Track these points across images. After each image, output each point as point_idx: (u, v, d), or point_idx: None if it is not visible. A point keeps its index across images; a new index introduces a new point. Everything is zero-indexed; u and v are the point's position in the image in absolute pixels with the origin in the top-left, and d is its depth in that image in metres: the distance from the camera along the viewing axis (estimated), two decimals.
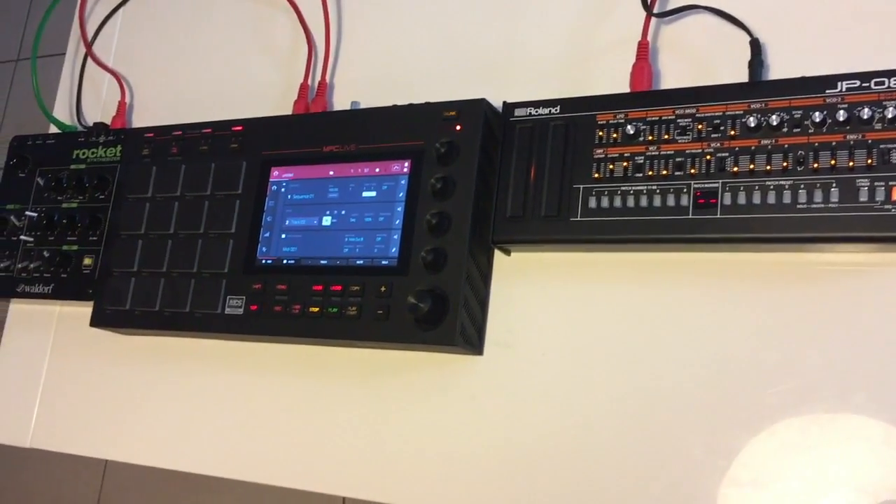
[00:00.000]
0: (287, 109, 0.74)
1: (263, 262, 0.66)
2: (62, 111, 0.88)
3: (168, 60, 0.84)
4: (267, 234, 0.67)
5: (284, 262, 0.65)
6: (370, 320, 0.60)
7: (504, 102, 0.61)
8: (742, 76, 0.56)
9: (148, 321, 0.69)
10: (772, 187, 0.51)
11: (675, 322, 0.55)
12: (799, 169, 0.51)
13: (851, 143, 0.50)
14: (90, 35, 0.89)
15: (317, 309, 0.62)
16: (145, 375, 0.73)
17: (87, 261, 0.75)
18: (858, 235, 0.49)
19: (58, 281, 0.76)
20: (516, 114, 0.60)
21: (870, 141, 0.50)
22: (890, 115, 0.49)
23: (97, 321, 0.72)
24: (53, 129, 0.86)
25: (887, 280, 0.51)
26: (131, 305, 0.70)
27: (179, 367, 0.72)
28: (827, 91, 0.52)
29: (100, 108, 0.87)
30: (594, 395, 0.56)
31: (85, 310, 0.75)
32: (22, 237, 0.79)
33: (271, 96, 0.77)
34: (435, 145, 0.61)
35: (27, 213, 0.79)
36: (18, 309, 0.84)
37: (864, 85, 0.51)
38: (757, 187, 0.52)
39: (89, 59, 0.87)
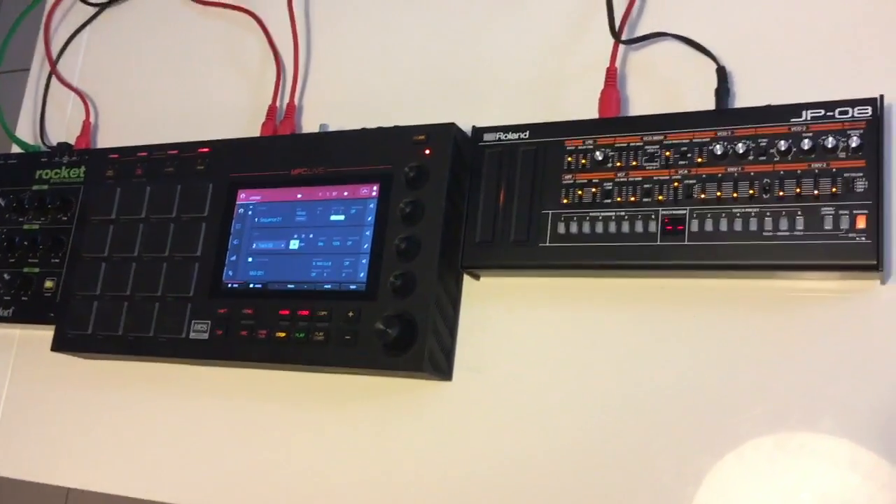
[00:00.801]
0: (255, 131, 0.73)
1: (230, 285, 0.65)
2: (25, 130, 0.87)
3: (134, 80, 0.83)
4: (233, 258, 0.66)
5: (251, 286, 0.64)
6: (338, 346, 0.59)
7: (473, 127, 0.61)
8: (709, 103, 0.57)
9: (111, 346, 0.68)
10: (738, 214, 0.52)
11: (643, 347, 0.55)
12: (765, 196, 0.52)
13: (816, 171, 0.51)
14: (55, 53, 0.88)
15: (284, 334, 0.61)
16: (108, 401, 0.72)
17: (48, 284, 0.74)
18: (824, 263, 0.49)
19: (18, 304, 0.74)
20: (486, 138, 0.60)
21: (834, 170, 0.50)
22: (854, 144, 0.50)
23: (59, 346, 0.70)
24: (16, 149, 0.84)
25: (852, 306, 0.51)
26: (94, 330, 0.69)
27: (143, 392, 0.71)
28: (792, 120, 0.52)
29: (64, 128, 0.85)
30: (563, 420, 0.56)
31: (46, 333, 0.74)
32: None
33: (239, 118, 0.76)
34: (404, 169, 0.61)
35: None
36: None
37: (828, 114, 0.52)
38: (724, 214, 0.52)
39: (54, 78, 0.86)
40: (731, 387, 0.52)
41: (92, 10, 0.88)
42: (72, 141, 0.82)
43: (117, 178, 0.73)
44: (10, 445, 0.76)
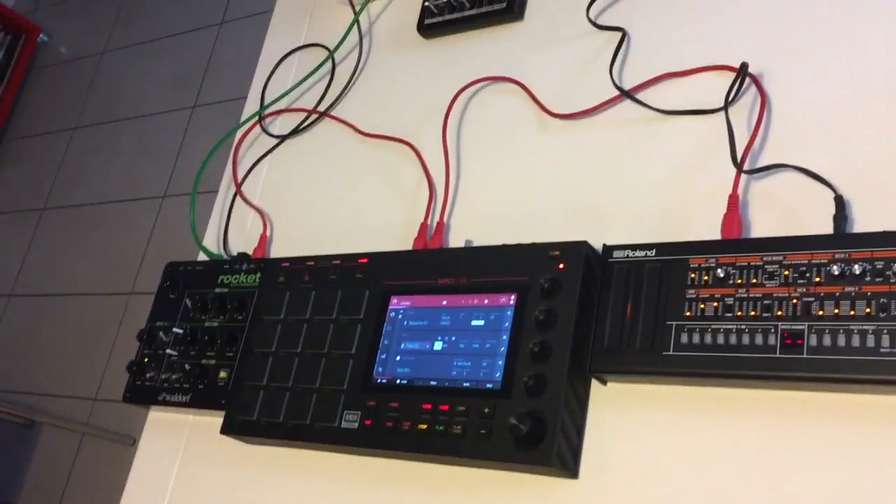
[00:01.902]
0: (408, 245, 0.82)
1: (379, 380, 0.72)
2: (211, 240, 1.00)
3: (306, 199, 0.95)
4: (384, 356, 0.73)
5: (398, 381, 0.71)
6: (473, 439, 0.65)
7: (604, 245, 0.67)
8: (826, 228, 0.61)
9: (272, 431, 0.76)
10: (856, 331, 0.55)
11: (759, 457, 0.58)
12: (882, 315, 0.54)
13: None
14: (240, 176, 1.02)
15: (425, 426, 0.67)
16: (268, 483, 0.80)
17: (222, 374, 0.83)
18: None
19: (195, 391, 0.84)
20: (615, 255, 0.66)
21: None
22: None
23: (227, 429, 0.79)
24: (202, 257, 0.97)
25: None
26: (258, 416, 0.78)
27: (299, 476, 0.78)
28: None
29: (244, 240, 0.98)
30: None
31: (215, 420, 0.83)
32: (167, 351, 0.88)
33: (394, 233, 0.86)
34: (540, 281, 0.67)
35: (174, 329, 0.89)
36: (155, 417, 0.92)
37: None
38: (841, 331, 0.55)
39: (238, 197, 1.00)
40: (844, 500, 0.54)
41: (273, 141, 1.02)
42: (250, 251, 0.94)
43: (287, 283, 0.83)
44: None
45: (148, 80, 2.97)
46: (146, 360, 0.90)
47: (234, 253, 0.96)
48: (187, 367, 0.86)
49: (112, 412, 2.32)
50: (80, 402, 2.41)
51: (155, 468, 0.88)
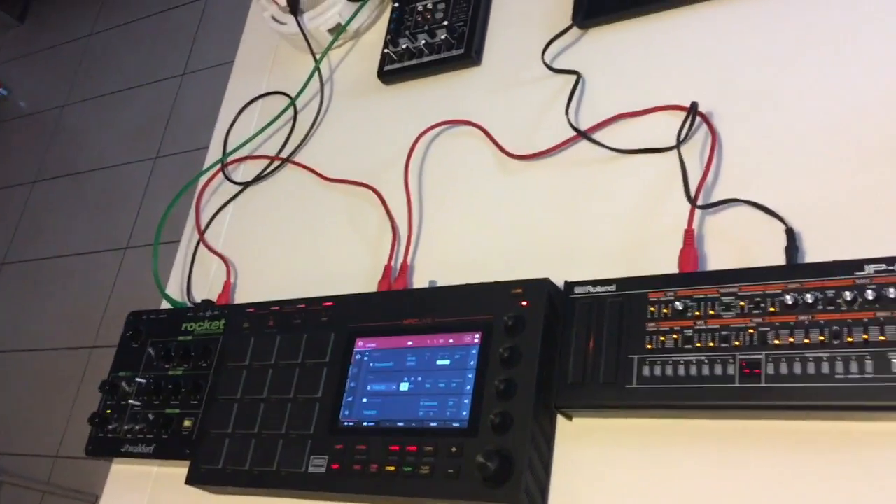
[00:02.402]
0: (373, 288, 0.83)
1: (346, 423, 0.72)
2: (174, 289, 0.99)
3: (271, 245, 0.95)
4: (350, 399, 0.73)
5: (365, 423, 0.71)
6: (441, 479, 0.65)
7: (565, 282, 0.68)
8: (779, 259, 0.63)
9: (238, 479, 0.75)
10: (811, 359, 0.56)
11: (721, 486, 0.59)
12: (835, 342, 0.56)
13: (882, 319, 0.55)
14: (203, 223, 1.02)
15: (393, 468, 0.67)
16: None
17: (186, 423, 0.82)
18: (892, 404, 0.53)
19: (159, 441, 0.83)
20: (576, 291, 0.67)
21: None
22: None
23: (192, 479, 0.78)
24: (165, 305, 0.97)
25: None
26: (224, 464, 0.77)
27: None
28: (856, 273, 0.57)
29: (207, 287, 0.97)
30: None
31: (180, 470, 0.82)
32: (131, 401, 0.87)
33: (359, 277, 0.86)
34: (503, 318, 0.68)
35: (137, 379, 0.88)
36: (118, 469, 0.91)
37: (889, 268, 0.56)
38: (797, 359, 0.57)
39: (201, 245, 1.00)
40: None
41: (236, 188, 1.03)
42: (214, 298, 0.94)
43: (252, 329, 0.83)
44: None
45: (110, 131, 2.96)
46: (109, 411, 0.88)
47: (198, 300, 0.95)
48: (151, 416, 0.85)
49: (74, 470, 2.26)
50: (40, 459, 2.35)
51: None
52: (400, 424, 0.69)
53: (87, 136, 3.02)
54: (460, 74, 0.93)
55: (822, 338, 0.56)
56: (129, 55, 3.12)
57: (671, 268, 0.67)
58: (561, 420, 0.67)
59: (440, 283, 0.79)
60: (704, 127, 0.73)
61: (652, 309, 0.63)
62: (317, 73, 1.03)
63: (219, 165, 1.05)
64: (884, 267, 0.57)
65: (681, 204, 0.69)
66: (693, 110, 0.72)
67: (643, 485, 0.62)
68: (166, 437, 0.83)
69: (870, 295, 0.56)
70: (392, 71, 0.97)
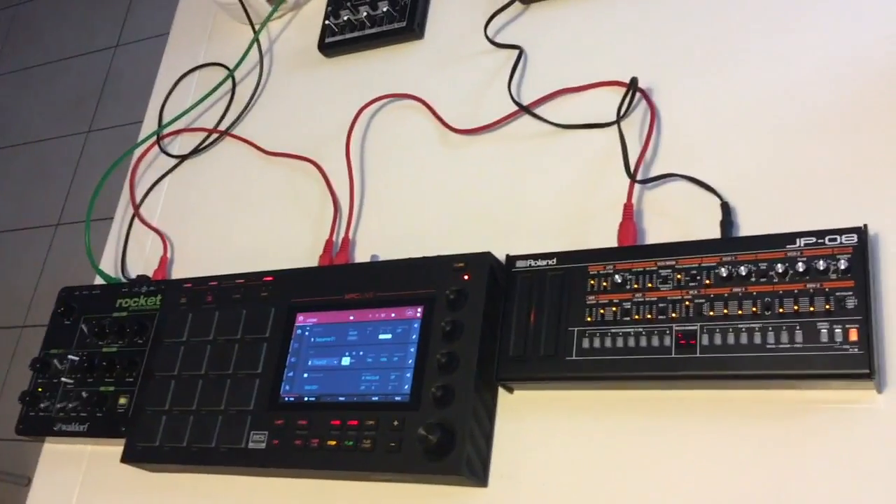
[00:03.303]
0: (314, 263, 0.82)
1: (286, 399, 0.72)
2: (108, 265, 0.97)
3: (209, 220, 0.94)
4: (291, 374, 0.73)
5: (306, 399, 0.71)
6: (383, 452, 0.65)
7: (507, 255, 0.69)
8: (714, 233, 0.64)
9: (176, 457, 0.74)
10: (744, 329, 0.58)
11: (660, 455, 0.60)
12: (767, 313, 0.58)
13: (811, 290, 0.57)
14: (139, 198, 0.99)
15: (334, 442, 0.67)
16: None
17: (122, 400, 0.81)
18: (822, 373, 0.55)
19: (93, 420, 0.81)
20: (518, 265, 0.68)
21: (827, 289, 0.56)
22: (843, 267, 0.56)
23: (128, 457, 0.77)
24: (98, 281, 0.94)
25: (849, 415, 0.56)
26: (161, 442, 0.75)
27: (205, 502, 0.76)
28: (787, 246, 0.59)
29: (143, 263, 0.95)
30: None
31: (115, 449, 0.80)
32: (63, 379, 0.85)
33: (299, 252, 0.85)
34: (445, 292, 0.68)
35: (69, 356, 0.86)
36: (50, 449, 0.88)
37: (819, 241, 0.58)
38: (731, 329, 0.58)
39: (136, 220, 0.97)
40: (742, 494, 0.56)
41: (173, 161, 1.00)
42: (149, 274, 0.91)
43: (190, 304, 0.82)
44: None
45: (39, 105, 2.86)
46: (40, 389, 0.86)
47: (133, 276, 0.93)
48: (84, 394, 0.83)
49: (4, 452, 2.20)
50: None
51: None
52: (341, 399, 0.69)
53: (16, 109, 2.91)
54: (402, 48, 0.92)
55: (754, 309, 0.58)
56: (59, 26, 3.01)
57: (611, 242, 0.68)
58: (502, 393, 0.67)
59: (382, 258, 0.79)
60: (644, 103, 0.74)
61: (592, 282, 0.64)
62: (256, 45, 1.01)
63: (154, 138, 1.03)
64: (814, 240, 0.58)
65: (620, 179, 0.70)
66: (633, 86, 0.73)
67: (583, 455, 0.63)
68: (101, 416, 0.81)
69: (800, 267, 0.57)
70: (333, 43, 0.95)
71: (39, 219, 2.59)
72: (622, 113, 0.73)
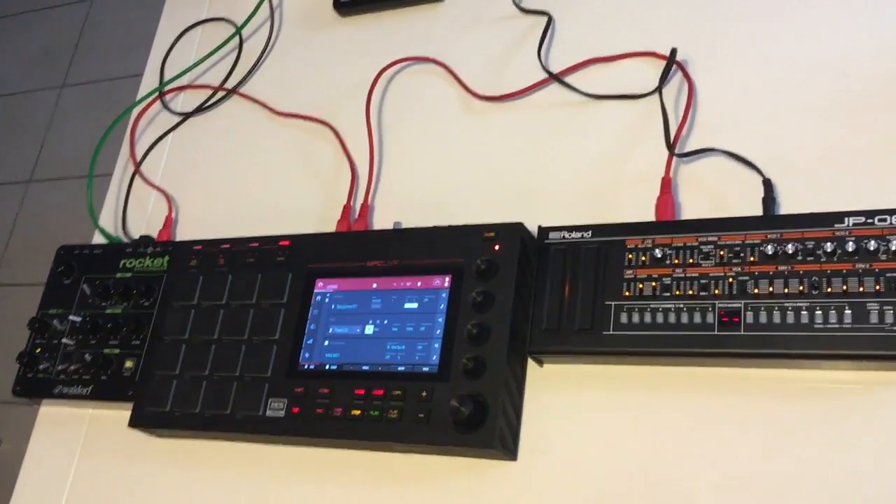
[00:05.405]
0: (327, 228, 0.79)
1: (306, 366, 0.69)
2: (107, 222, 0.93)
3: (215, 180, 0.90)
4: (310, 341, 0.70)
5: (327, 367, 0.69)
6: (411, 423, 0.63)
7: (539, 227, 0.67)
8: (754, 210, 0.63)
9: (188, 422, 0.72)
10: (790, 308, 0.57)
11: (698, 433, 0.59)
12: (814, 293, 0.57)
13: (860, 271, 0.56)
14: (139, 156, 0.95)
15: (359, 412, 0.65)
16: (179, 479, 0.75)
17: (128, 363, 0.78)
18: (870, 353, 0.54)
19: (97, 382, 0.78)
20: (551, 237, 0.66)
21: (877, 270, 0.56)
22: (894, 248, 0.56)
23: (137, 422, 0.74)
24: (97, 240, 0.91)
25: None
26: (172, 407, 0.73)
27: (213, 470, 0.74)
28: (835, 225, 0.58)
29: (145, 223, 0.92)
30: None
31: (117, 413, 0.78)
32: (63, 340, 0.82)
33: (311, 217, 0.83)
34: (476, 262, 0.66)
35: (71, 317, 0.82)
36: (47, 412, 0.85)
37: (868, 221, 0.57)
38: (777, 308, 0.57)
39: (137, 177, 0.94)
40: (777, 474, 0.56)
41: (176, 119, 0.97)
42: (152, 234, 0.88)
43: (200, 267, 0.79)
44: None
45: (8, 56, 2.76)
46: (38, 350, 0.83)
47: (135, 236, 0.90)
48: (87, 357, 0.80)
49: None
50: None
51: (50, 468, 0.82)
52: (365, 368, 0.67)
53: None
54: (421, 9, 0.90)
55: (801, 288, 0.57)
56: None
57: (643, 215, 0.66)
58: (531, 366, 0.66)
59: (404, 226, 0.76)
60: (679, 75, 0.72)
61: (630, 256, 0.63)
62: (266, 1, 0.97)
63: (156, 94, 0.99)
64: (863, 220, 0.58)
65: (654, 152, 0.69)
66: (672, 57, 0.71)
67: (614, 431, 0.62)
68: (105, 379, 0.78)
69: (850, 247, 0.57)
70: (349, 2, 0.92)
71: (8, 175, 2.51)
72: (661, 85, 0.72)
